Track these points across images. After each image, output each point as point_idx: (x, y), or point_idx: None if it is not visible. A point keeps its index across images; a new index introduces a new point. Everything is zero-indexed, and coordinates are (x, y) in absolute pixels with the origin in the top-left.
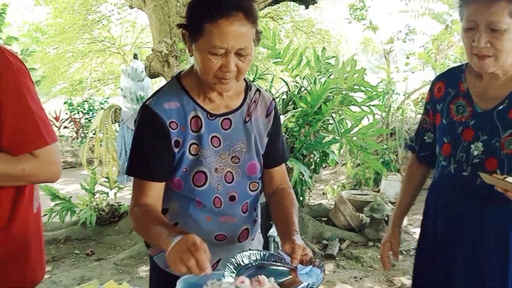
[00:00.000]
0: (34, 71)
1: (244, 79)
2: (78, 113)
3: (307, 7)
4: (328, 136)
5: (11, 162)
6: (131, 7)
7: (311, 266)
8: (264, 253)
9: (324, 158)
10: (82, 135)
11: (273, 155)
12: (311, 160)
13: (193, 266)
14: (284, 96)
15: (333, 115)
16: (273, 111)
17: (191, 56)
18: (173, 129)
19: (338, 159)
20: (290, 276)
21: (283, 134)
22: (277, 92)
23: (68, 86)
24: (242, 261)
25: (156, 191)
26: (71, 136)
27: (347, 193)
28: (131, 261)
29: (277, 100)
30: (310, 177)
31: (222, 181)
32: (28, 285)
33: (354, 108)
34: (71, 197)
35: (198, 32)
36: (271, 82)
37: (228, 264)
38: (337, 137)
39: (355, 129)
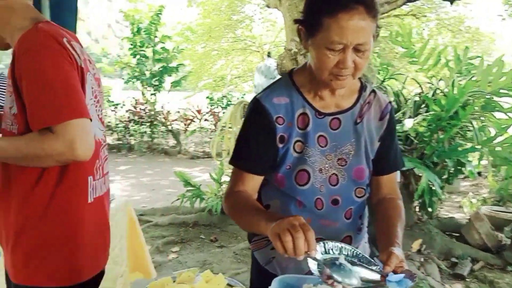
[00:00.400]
0: (184, 66)
1: (360, 79)
2: (217, 107)
3: (452, 3)
4: (465, 144)
5: (35, 140)
6: (268, 7)
7: (402, 275)
8: (357, 252)
9: (459, 168)
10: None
11: (384, 162)
12: (444, 169)
13: (300, 244)
14: (417, 98)
15: (473, 121)
16: (388, 115)
17: (306, 52)
18: (279, 124)
19: (476, 170)
20: (378, 281)
21: (397, 141)
22: (409, 94)
23: (212, 82)
24: (332, 250)
25: (253, 183)
26: (210, 129)
27: (487, 208)
28: (250, 252)
29: (408, 102)
30: (442, 188)
31: (326, 183)
32: (76, 275)
33: (499, 115)
34: (200, 185)
35: (315, 27)
36: (404, 83)
37: (318, 245)
38: (476, 146)
39: (500, 138)
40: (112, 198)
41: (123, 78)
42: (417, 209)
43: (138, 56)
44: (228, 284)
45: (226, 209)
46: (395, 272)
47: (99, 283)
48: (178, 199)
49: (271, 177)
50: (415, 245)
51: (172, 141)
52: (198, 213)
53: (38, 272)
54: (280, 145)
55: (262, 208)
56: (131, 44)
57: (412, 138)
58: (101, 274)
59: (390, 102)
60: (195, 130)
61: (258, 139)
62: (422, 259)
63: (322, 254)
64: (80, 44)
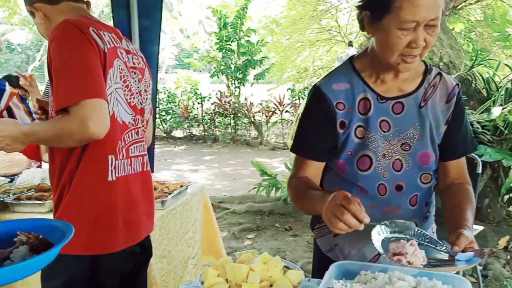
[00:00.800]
0: (268, 59)
1: (424, 62)
2: (298, 99)
3: None
4: None
5: (52, 123)
6: None
7: (471, 253)
8: (424, 232)
9: None
10: None
11: (451, 146)
12: None
13: (349, 219)
14: (509, 85)
15: None
16: (455, 97)
17: (369, 37)
18: (339, 110)
19: None
20: (446, 259)
21: (469, 125)
22: (500, 81)
23: (295, 74)
24: (397, 228)
25: (314, 169)
26: (291, 120)
27: None
28: None
29: (500, 89)
30: None
31: (390, 168)
32: (98, 250)
33: None
34: (276, 174)
35: (384, 9)
36: (495, 69)
37: (383, 223)
38: None
39: None
40: (188, 184)
41: (210, 72)
42: (505, 204)
43: (224, 50)
44: (285, 266)
45: (289, 196)
46: (464, 251)
47: (133, 257)
48: (255, 187)
49: (332, 164)
50: (502, 242)
51: (254, 133)
52: (273, 202)
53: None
54: (341, 131)
55: (316, 191)
56: (218, 39)
57: (501, 127)
58: (140, 249)
59: (457, 84)
60: (276, 121)
61: (318, 125)
62: (508, 257)
63: (387, 233)
64: (119, 36)
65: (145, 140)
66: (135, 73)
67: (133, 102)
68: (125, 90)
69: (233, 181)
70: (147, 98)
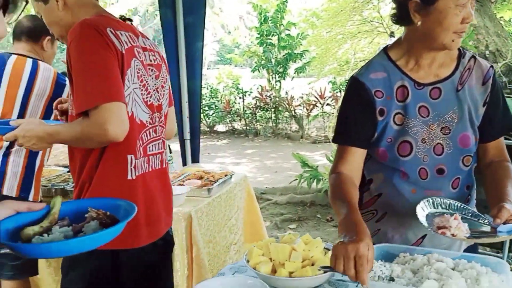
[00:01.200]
0: (308, 53)
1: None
2: (340, 91)
3: None
4: None
5: (73, 125)
6: None
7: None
8: (466, 206)
9: None
10: None
11: (490, 127)
12: None
13: (352, 276)
14: None
15: None
16: (490, 79)
17: (418, 24)
18: (378, 98)
19: None
20: (487, 231)
21: (507, 105)
22: None
23: (336, 67)
24: (441, 205)
25: (355, 158)
26: (332, 113)
27: None
28: None
29: None
30: None
31: (430, 153)
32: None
33: None
34: (317, 166)
35: None
36: None
37: (427, 201)
38: None
39: None
40: (232, 173)
41: (251, 67)
42: None
43: (264, 45)
44: (325, 248)
45: (329, 186)
46: (505, 223)
47: (154, 250)
48: (296, 179)
49: (373, 152)
50: None
51: (295, 126)
52: (315, 193)
53: None
54: (380, 118)
55: (343, 206)
56: (258, 33)
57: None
58: (163, 244)
59: (491, 66)
60: (317, 115)
61: (357, 113)
62: None
63: (431, 208)
64: (136, 33)
65: (165, 135)
66: (152, 70)
67: (150, 101)
68: (142, 90)
69: (274, 174)
70: (164, 94)
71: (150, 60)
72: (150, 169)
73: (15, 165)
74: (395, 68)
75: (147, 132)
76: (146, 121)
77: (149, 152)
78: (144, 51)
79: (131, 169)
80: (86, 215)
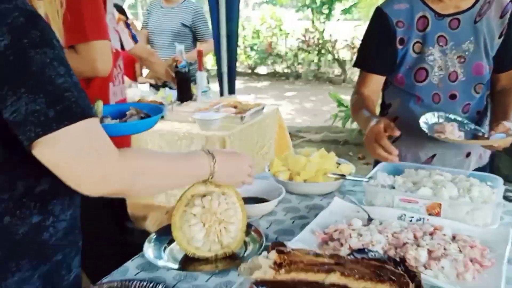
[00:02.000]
0: None
1: None
2: None
3: None
4: None
5: None
6: None
7: (505, 134)
8: (464, 120)
9: None
10: None
11: (505, 58)
12: None
13: (381, 153)
14: None
15: None
16: (508, 13)
17: None
18: (399, 28)
19: None
20: (481, 135)
21: None
22: None
23: None
24: (441, 117)
25: (374, 83)
26: None
27: None
28: None
29: None
30: None
31: (445, 79)
32: None
33: None
34: None
35: None
36: None
37: (431, 114)
38: None
39: None
40: (264, 104)
41: (295, 8)
42: None
43: None
44: (337, 162)
45: (350, 110)
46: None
47: None
48: (331, 118)
49: (392, 78)
50: None
51: (337, 70)
52: (348, 132)
53: None
54: (400, 47)
55: (366, 112)
56: None
57: None
58: None
59: (511, 1)
60: None
61: (379, 41)
62: None
63: (433, 120)
64: None
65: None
66: None
67: (116, 27)
68: (111, 19)
69: (313, 116)
70: None
71: None
72: (126, 96)
73: None
74: (418, 0)
75: (121, 59)
76: (116, 50)
77: (124, 80)
78: None
79: (111, 96)
80: (127, 113)
